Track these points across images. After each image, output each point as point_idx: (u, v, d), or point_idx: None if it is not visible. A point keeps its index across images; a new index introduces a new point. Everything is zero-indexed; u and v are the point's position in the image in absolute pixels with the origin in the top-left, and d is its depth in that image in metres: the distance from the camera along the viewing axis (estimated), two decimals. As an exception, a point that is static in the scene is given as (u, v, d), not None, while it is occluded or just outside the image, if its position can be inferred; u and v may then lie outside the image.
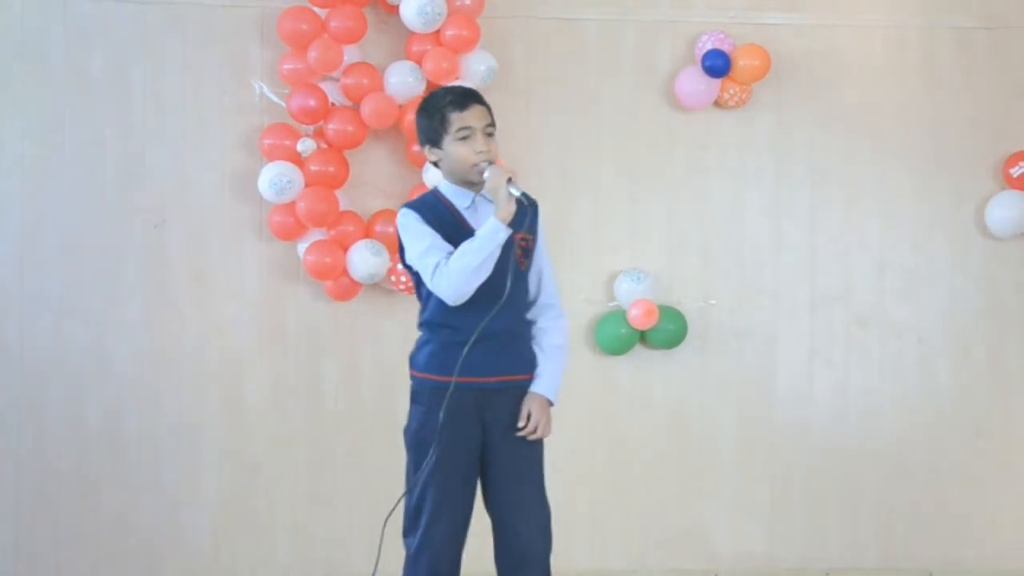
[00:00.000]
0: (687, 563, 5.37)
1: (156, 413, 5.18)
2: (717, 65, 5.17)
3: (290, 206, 5.01)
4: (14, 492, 5.12)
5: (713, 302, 5.38)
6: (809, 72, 5.39)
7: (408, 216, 3.62)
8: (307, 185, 5.00)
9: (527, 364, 3.66)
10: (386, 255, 5.00)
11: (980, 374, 5.45)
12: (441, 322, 3.61)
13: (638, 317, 5.17)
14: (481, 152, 3.55)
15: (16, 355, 5.11)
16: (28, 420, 5.12)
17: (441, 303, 3.58)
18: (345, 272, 5.05)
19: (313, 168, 4.99)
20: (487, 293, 3.51)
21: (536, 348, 3.69)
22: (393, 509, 3.65)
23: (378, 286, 5.14)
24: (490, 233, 3.48)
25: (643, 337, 5.29)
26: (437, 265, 3.50)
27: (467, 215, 3.61)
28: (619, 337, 5.24)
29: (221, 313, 5.19)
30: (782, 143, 5.40)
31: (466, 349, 3.50)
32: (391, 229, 5.04)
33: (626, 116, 5.35)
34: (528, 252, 3.65)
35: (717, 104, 5.33)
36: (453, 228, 3.58)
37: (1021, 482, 5.46)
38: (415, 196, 5.02)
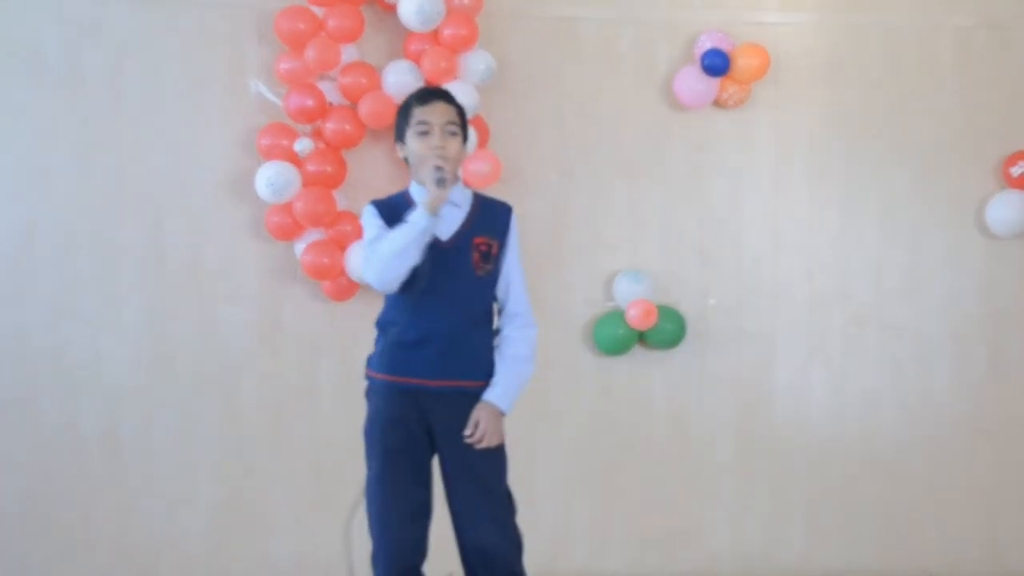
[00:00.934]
0: (686, 563, 5.37)
1: (153, 413, 5.17)
2: (716, 64, 5.16)
3: (287, 206, 5.00)
4: (11, 492, 5.11)
5: (712, 302, 5.37)
6: (808, 71, 5.38)
7: (366, 211, 3.70)
8: (304, 185, 4.99)
9: (476, 371, 3.64)
10: (384, 255, 4.99)
11: (979, 374, 5.45)
12: (389, 320, 3.66)
13: (637, 317, 5.16)
14: (435, 148, 3.56)
15: (13, 355, 5.10)
16: (25, 420, 5.12)
17: (392, 303, 3.64)
18: (343, 272, 5.04)
19: (311, 168, 4.98)
20: (435, 294, 3.54)
21: (497, 356, 3.67)
22: (353, 512, 3.66)
23: (376, 286, 5.13)
24: (412, 219, 3.49)
25: (642, 337, 5.28)
26: (368, 254, 3.56)
27: None
28: (618, 337, 5.23)
29: (218, 313, 5.19)
30: (781, 142, 5.39)
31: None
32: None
33: (625, 115, 5.34)
34: (489, 257, 3.64)
35: (716, 103, 5.32)
36: None
37: (1020, 482, 5.46)
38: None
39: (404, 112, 3.66)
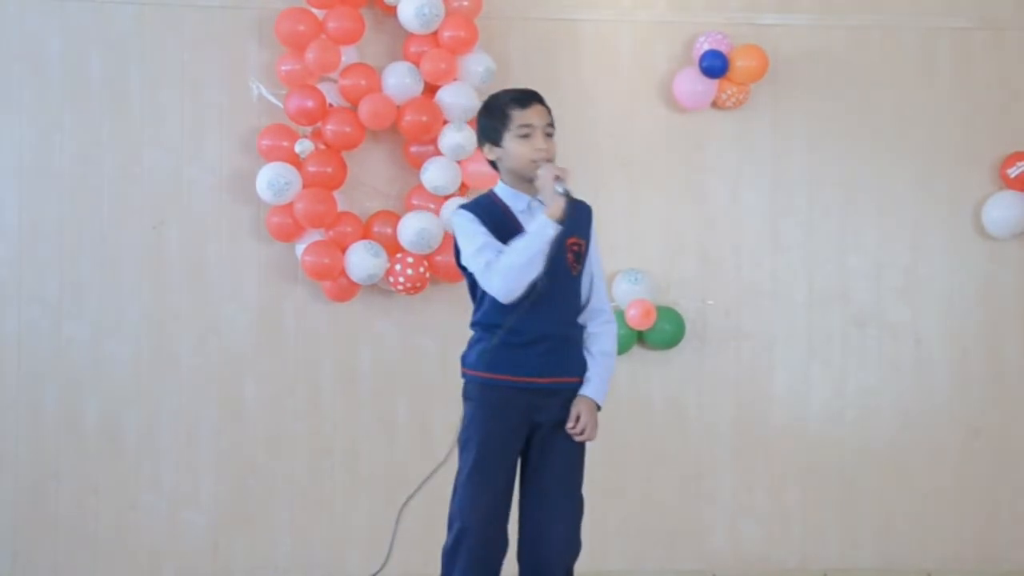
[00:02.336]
0: (685, 563, 5.38)
1: (154, 414, 5.18)
2: (715, 66, 5.18)
3: (288, 207, 5.01)
4: (12, 492, 5.12)
5: (711, 302, 5.38)
6: (807, 73, 5.39)
7: (463, 216, 3.66)
8: (305, 186, 5.01)
9: (578, 367, 3.70)
10: (384, 256, 5.01)
11: (978, 374, 5.46)
12: (494, 323, 3.64)
13: (636, 317, 5.17)
14: (540, 150, 3.58)
15: (15, 355, 5.12)
16: (26, 420, 5.13)
17: (495, 304, 3.62)
18: (343, 273, 5.05)
19: (311, 169, 5.00)
20: (540, 295, 3.56)
21: (586, 353, 3.72)
22: (413, 495, 3.78)
23: (376, 287, 5.14)
24: (538, 230, 3.50)
25: (641, 337, 5.29)
26: (488, 263, 3.54)
27: (522, 218, 3.64)
28: (617, 337, 5.22)
29: (219, 314, 5.20)
30: (780, 143, 5.41)
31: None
32: (389, 230, 5.06)
33: (623, 116, 5.36)
34: (580, 257, 3.68)
35: (715, 105, 5.33)
36: (508, 230, 3.61)
37: (1019, 482, 5.46)
38: (412, 199, 5.08)
39: (498, 114, 3.63)
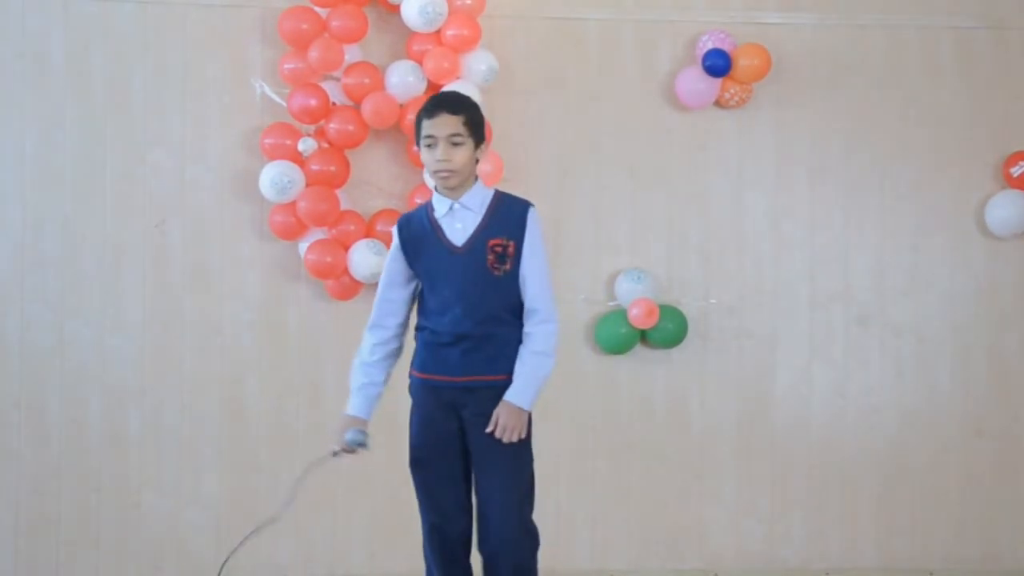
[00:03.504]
0: (687, 563, 5.38)
1: (157, 412, 5.18)
2: (718, 64, 5.18)
3: (291, 205, 5.01)
4: (15, 491, 5.12)
5: (713, 301, 5.38)
6: (810, 72, 5.40)
7: (393, 236, 3.83)
8: (308, 184, 5.01)
9: (502, 365, 3.73)
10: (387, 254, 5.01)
11: (980, 374, 5.46)
12: (421, 325, 3.82)
13: (639, 316, 5.17)
14: (440, 160, 3.64)
15: (17, 354, 5.12)
16: (28, 419, 5.13)
17: (422, 307, 3.80)
18: (346, 271, 5.06)
19: (314, 167, 5.00)
20: (456, 297, 3.69)
21: (519, 353, 3.76)
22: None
23: (379, 285, 5.14)
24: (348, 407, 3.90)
25: (644, 336, 5.29)
26: (367, 334, 3.83)
27: (444, 222, 3.74)
28: (620, 336, 5.24)
29: (222, 312, 5.20)
30: (782, 142, 5.41)
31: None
32: (392, 228, 5.05)
33: (627, 115, 5.36)
34: (504, 257, 3.71)
35: (718, 104, 5.34)
36: (426, 238, 3.74)
37: (1021, 482, 5.47)
38: (415, 198, 5.08)
39: (416, 123, 3.71)
